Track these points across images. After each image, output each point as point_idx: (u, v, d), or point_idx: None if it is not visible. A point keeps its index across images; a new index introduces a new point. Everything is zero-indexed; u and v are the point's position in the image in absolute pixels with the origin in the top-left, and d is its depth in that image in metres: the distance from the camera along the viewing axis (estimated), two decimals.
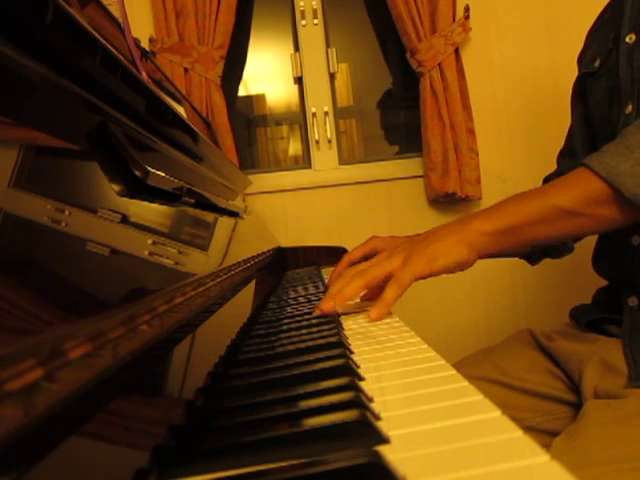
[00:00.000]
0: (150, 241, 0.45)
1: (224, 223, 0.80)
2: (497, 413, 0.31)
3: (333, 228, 1.89)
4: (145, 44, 1.72)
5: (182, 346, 0.40)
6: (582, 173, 0.67)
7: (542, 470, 0.25)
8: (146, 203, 0.47)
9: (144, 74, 0.76)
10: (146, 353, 0.32)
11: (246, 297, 0.74)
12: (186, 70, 1.76)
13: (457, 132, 1.77)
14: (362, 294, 0.72)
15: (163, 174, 0.50)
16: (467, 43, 1.86)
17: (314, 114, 1.94)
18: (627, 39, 0.83)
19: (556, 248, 1.03)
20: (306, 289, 0.94)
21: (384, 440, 0.29)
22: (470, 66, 1.83)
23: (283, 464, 0.27)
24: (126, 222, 0.41)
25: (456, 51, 1.80)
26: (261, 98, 2.10)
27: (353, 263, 0.81)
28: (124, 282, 0.37)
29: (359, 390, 0.36)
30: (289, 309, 0.75)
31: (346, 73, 2.09)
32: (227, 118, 1.77)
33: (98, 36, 0.43)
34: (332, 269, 0.87)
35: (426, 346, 0.49)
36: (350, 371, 0.41)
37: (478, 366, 0.92)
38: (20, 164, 0.31)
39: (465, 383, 0.37)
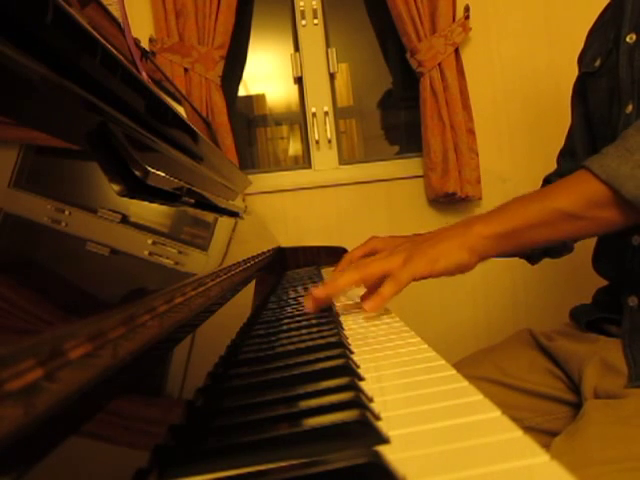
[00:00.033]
0: (150, 241, 0.45)
1: (224, 223, 0.80)
2: (497, 413, 0.31)
3: (333, 228, 1.89)
4: (145, 44, 1.72)
5: (182, 346, 0.40)
6: (582, 176, 0.67)
7: (542, 470, 0.25)
8: (146, 203, 0.47)
9: (144, 74, 0.76)
10: (146, 353, 0.32)
11: (246, 297, 0.74)
12: (186, 70, 1.76)
13: (457, 132, 1.78)
14: (362, 294, 0.72)
15: (163, 174, 0.50)
16: (467, 43, 1.86)
17: (314, 114, 1.94)
18: (627, 39, 0.83)
19: (556, 248, 1.03)
20: (306, 289, 0.94)
21: (384, 440, 0.29)
22: (470, 66, 1.83)
23: (283, 464, 0.27)
24: (126, 222, 0.41)
25: (456, 51, 1.80)
26: (261, 98, 2.10)
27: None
28: (124, 282, 0.37)
29: (359, 390, 0.36)
30: (289, 309, 0.75)
31: (346, 73, 2.09)
32: (227, 118, 1.77)
33: (98, 36, 0.43)
34: (332, 269, 0.87)
35: (426, 346, 0.49)
36: (350, 371, 0.41)
37: (478, 366, 0.92)
38: (20, 164, 0.31)
39: (465, 383, 0.37)
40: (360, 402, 0.33)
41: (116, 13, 0.73)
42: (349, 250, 0.89)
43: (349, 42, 2.07)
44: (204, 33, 1.75)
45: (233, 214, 0.92)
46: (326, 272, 1.21)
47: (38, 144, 0.35)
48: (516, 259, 1.05)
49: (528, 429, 0.81)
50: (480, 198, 1.84)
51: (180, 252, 0.51)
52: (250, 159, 2.06)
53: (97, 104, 0.47)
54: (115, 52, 0.47)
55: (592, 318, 0.89)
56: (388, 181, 1.91)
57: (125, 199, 0.43)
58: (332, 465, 0.25)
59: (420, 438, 0.29)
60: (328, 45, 1.96)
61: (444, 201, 1.86)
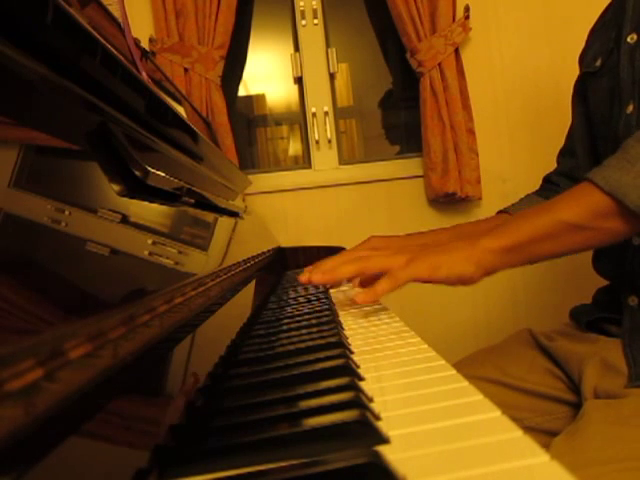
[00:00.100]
0: (150, 241, 0.45)
1: (224, 223, 0.80)
2: (497, 413, 0.31)
3: (333, 228, 1.89)
4: (145, 44, 1.72)
5: (182, 346, 0.40)
6: (586, 188, 0.68)
7: (542, 470, 0.25)
8: (146, 203, 0.47)
9: (144, 74, 0.76)
10: (146, 353, 0.32)
11: (246, 297, 0.74)
12: (186, 70, 1.76)
13: (457, 132, 1.77)
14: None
15: (163, 174, 0.50)
16: (467, 43, 1.86)
17: (314, 114, 1.94)
18: (628, 39, 0.83)
19: None
20: (306, 289, 0.94)
21: (384, 440, 0.29)
22: (470, 66, 1.83)
23: (283, 464, 0.27)
24: (126, 222, 0.41)
25: (456, 51, 1.80)
26: (261, 98, 2.10)
27: None
28: (124, 282, 0.37)
29: (359, 390, 0.36)
30: (289, 309, 0.75)
31: (346, 73, 2.09)
32: (227, 118, 1.77)
33: (98, 36, 0.43)
34: None
35: (426, 346, 0.49)
36: (350, 371, 0.41)
37: (478, 366, 0.92)
38: (20, 164, 0.31)
39: (465, 383, 0.37)
40: (360, 402, 0.33)
41: (116, 13, 0.73)
42: None
43: (349, 42, 2.07)
44: (204, 33, 1.75)
45: (233, 214, 0.92)
46: None
47: (38, 144, 0.35)
48: None
49: (528, 429, 0.81)
50: (480, 198, 1.84)
51: (180, 252, 0.51)
52: (250, 159, 2.06)
53: (97, 104, 0.47)
54: (115, 52, 0.47)
55: (592, 318, 0.89)
56: (388, 181, 1.91)
57: (125, 199, 0.43)
58: (332, 465, 0.25)
59: (420, 438, 0.29)
60: (328, 45, 1.96)
61: (444, 201, 1.86)
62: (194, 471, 0.27)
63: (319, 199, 1.90)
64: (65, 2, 0.38)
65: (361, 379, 0.40)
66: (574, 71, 1.00)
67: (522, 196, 1.05)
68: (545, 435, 0.81)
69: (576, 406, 0.80)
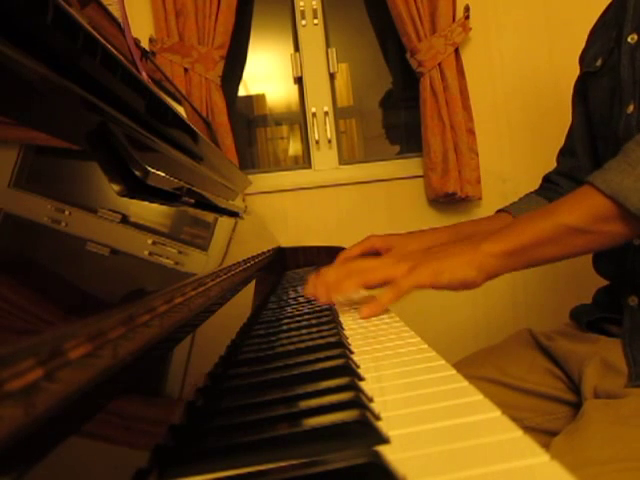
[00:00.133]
0: (150, 241, 0.45)
1: (224, 223, 0.80)
2: (497, 413, 0.31)
3: (333, 228, 1.89)
4: (145, 44, 1.72)
5: (182, 346, 0.40)
6: (587, 191, 0.68)
7: (542, 470, 0.25)
8: (146, 203, 0.47)
9: (144, 74, 0.76)
10: (146, 353, 0.32)
11: (246, 297, 0.74)
12: (186, 70, 1.76)
13: (457, 132, 1.77)
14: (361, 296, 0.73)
15: (163, 174, 0.50)
16: (467, 43, 1.86)
17: (314, 114, 1.94)
18: (629, 39, 0.83)
19: None
20: None
21: (384, 440, 0.29)
22: (470, 66, 1.83)
23: (283, 464, 0.27)
24: (126, 222, 0.41)
25: (456, 51, 1.80)
26: (261, 98, 2.10)
27: None
28: (124, 282, 0.37)
29: (359, 390, 0.36)
30: (289, 309, 0.75)
31: (346, 73, 2.09)
32: (227, 118, 1.77)
33: (98, 36, 0.43)
34: None
35: (426, 346, 0.49)
36: (350, 371, 0.41)
37: (478, 366, 0.92)
38: (20, 164, 0.31)
39: (465, 383, 0.37)
40: (360, 402, 0.33)
41: (116, 13, 0.73)
42: None
43: (349, 42, 2.07)
44: (204, 33, 1.75)
45: (233, 214, 0.92)
46: None
47: (38, 144, 0.35)
48: None
49: (528, 429, 0.81)
50: (480, 198, 1.84)
51: (180, 252, 0.51)
52: (250, 159, 2.06)
53: (97, 104, 0.47)
54: (115, 52, 0.47)
55: (592, 318, 0.89)
56: (388, 181, 1.91)
57: (125, 199, 0.43)
58: (332, 465, 0.25)
59: (420, 438, 0.29)
60: (328, 45, 1.96)
61: (444, 201, 1.86)
62: (194, 471, 0.27)
63: (319, 199, 1.90)
64: (65, 2, 0.38)
65: (361, 379, 0.40)
66: (574, 71, 1.00)
67: (522, 195, 1.05)
68: (545, 435, 0.81)
69: (576, 406, 0.79)
